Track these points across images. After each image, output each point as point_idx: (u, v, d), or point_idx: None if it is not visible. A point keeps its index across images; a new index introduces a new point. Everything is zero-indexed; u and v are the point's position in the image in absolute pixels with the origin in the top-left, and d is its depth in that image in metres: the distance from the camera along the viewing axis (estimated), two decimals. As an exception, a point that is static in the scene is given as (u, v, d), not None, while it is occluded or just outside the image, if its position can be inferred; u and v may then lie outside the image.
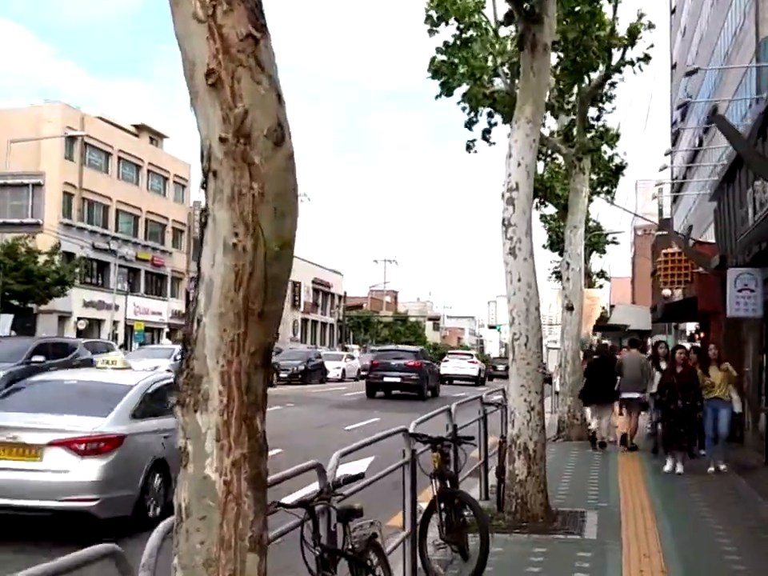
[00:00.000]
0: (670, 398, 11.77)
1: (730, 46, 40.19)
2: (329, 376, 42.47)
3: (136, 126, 57.10)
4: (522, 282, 8.55)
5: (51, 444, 7.79)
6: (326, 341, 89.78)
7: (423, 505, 6.67)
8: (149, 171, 55.73)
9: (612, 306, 66.50)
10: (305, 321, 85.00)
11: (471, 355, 49.71)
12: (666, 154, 44.70)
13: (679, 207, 60.84)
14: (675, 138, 64.94)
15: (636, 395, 14.18)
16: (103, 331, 49.25)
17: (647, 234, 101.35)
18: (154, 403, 9.13)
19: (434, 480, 6.41)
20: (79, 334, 46.71)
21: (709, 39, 46.57)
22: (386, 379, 29.85)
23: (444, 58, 15.17)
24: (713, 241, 17.59)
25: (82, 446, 7.86)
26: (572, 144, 16.31)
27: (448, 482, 6.50)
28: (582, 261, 16.61)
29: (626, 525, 8.44)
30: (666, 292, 41.40)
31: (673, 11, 65.86)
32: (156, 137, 59.27)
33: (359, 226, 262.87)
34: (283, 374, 37.46)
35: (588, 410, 15.74)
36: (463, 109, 16.62)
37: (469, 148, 16.60)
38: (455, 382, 39.13)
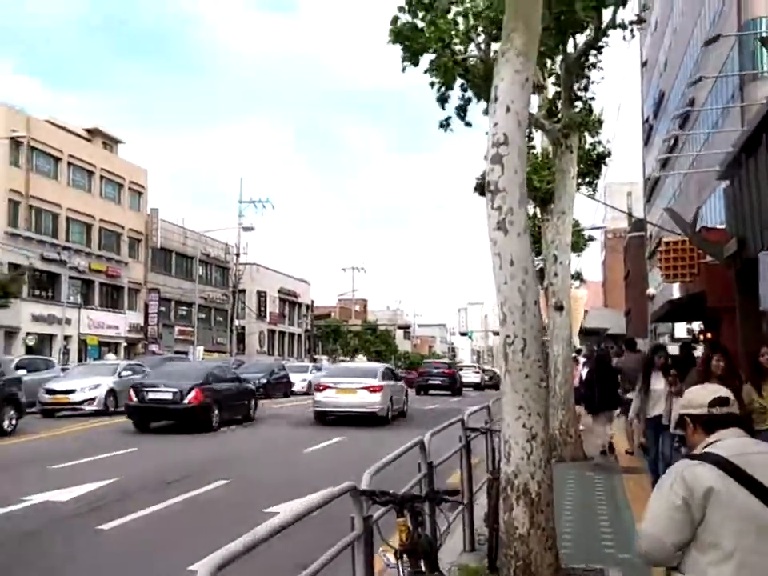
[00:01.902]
0: None
1: (707, 35, 38.53)
2: (294, 389, 40.42)
3: (88, 131, 54.40)
4: (515, 267, 6.36)
5: (361, 388, 21.78)
6: (294, 352, 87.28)
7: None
8: (102, 177, 53.00)
9: (585, 311, 64.79)
10: (271, 332, 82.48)
11: (476, 367, 72.16)
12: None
13: (653, 206, 59.27)
14: (648, 136, 63.42)
15: None
16: (55, 347, 46.47)
17: (618, 237, 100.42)
18: (385, 375, 23.40)
19: (400, 561, 4.17)
20: (29, 350, 44.03)
21: (684, 30, 44.92)
22: (430, 382, 44.61)
23: (408, 18, 13.07)
24: (722, 226, 15.55)
25: (371, 388, 21.78)
26: (557, 119, 14.22)
27: (422, 562, 4.26)
28: (570, 253, 14.48)
29: (663, 590, 6.25)
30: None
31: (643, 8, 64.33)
32: (110, 142, 56.56)
33: (326, 234, 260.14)
34: (244, 389, 35.35)
35: (591, 419, 14.51)
36: (432, 84, 14.65)
37: (443, 126, 14.67)
38: (464, 387, 49.05)
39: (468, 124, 14.12)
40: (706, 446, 3.04)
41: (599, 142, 21.22)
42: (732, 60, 33.07)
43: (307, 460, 15.16)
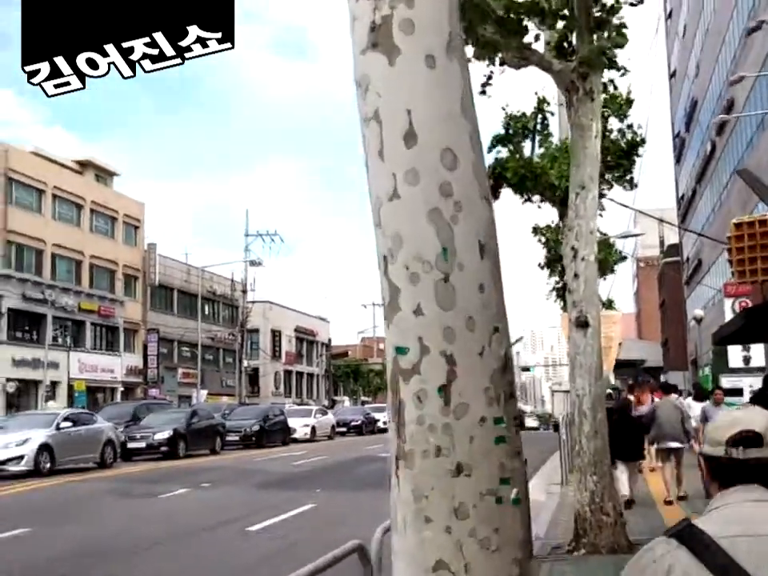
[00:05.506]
0: None
1: (745, 28, 34.38)
2: (296, 435, 36.31)
3: (80, 163, 51.01)
4: (424, 144, 2.16)
5: None
6: (314, 393, 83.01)
7: None
8: (92, 211, 49.36)
9: (619, 343, 59.81)
10: (288, 372, 78.24)
11: (535, 415, 77.50)
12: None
13: (688, 227, 54.71)
14: (680, 152, 59.03)
15: (681, 445, 12.98)
16: (40, 393, 42.58)
17: (651, 266, 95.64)
18: None
19: None
20: (9, 398, 40.38)
21: (717, 28, 40.72)
22: None
23: None
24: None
25: None
26: (569, 59, 10.02)
27: None
28: (596, 246, 10.16)
29: None
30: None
31: (669, 16, 60.30)
32: (103, 174, 53.10)
33: (347, 272, 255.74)
34: (233, 437, 31.37)
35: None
36: None
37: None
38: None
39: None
40: (710, 511, 1.84)
41: (629, 127, 17.09)
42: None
43: (242, 547, 10.88)
